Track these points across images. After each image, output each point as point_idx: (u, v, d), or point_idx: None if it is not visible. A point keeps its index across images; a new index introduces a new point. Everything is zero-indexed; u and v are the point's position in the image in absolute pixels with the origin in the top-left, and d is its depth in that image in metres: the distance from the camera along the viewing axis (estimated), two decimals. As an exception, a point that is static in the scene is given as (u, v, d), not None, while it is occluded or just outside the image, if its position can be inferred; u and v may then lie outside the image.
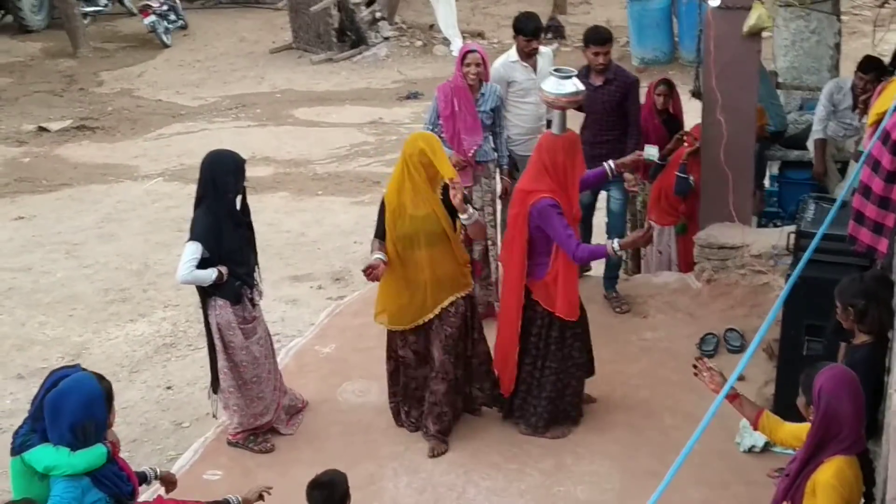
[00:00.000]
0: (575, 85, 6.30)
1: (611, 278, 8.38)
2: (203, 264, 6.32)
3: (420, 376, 6.78)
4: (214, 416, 6.98)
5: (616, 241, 6.42)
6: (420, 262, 6.41)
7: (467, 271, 6.66)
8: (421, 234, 6.34)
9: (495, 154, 8.08)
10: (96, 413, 4.58)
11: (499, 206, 8.29)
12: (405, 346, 6.70)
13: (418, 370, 6.76)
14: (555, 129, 6.43)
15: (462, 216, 6.32)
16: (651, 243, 7.46)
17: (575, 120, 7.10)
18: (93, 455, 4.55)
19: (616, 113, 7.99)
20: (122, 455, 5.05)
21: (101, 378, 4.74)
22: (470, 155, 7.84)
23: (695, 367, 5.24)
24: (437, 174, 6.31)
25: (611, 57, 8.08)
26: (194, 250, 6.30)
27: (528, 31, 8.16)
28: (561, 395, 6.73)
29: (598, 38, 8.04)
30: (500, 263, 8.21)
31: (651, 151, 7.52)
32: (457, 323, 6.56)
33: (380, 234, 6.51)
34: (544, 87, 6.40)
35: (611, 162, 6.87)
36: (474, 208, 6.83)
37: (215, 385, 6.75)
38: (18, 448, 4.71)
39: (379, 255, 6.39)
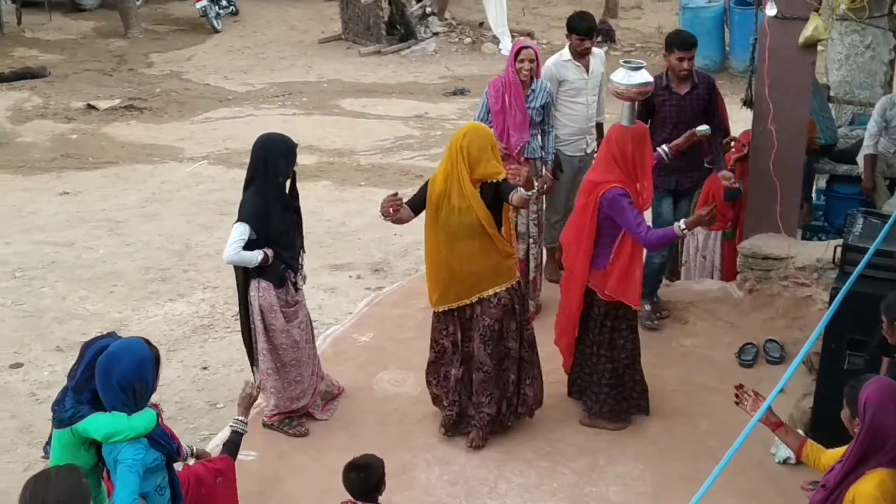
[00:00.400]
0: (644, 76, 6.40)
1: (650, 293, 8.06)
2: (249, 246, 6.34)
3: (453, 375, 6.68)
4: (259, 388, 6.87)
5: (682, 221, 6.42)
6: (462, 252, 6.38)
7: (513, 264, 6.57)
8: (460, 226, 6.32)
9: (542, 152, 8.07)
10: (146, 375, 4.67)
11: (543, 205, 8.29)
12: (445, 334, 6.65)
13: (456, 364, 6.65)
14: (623, 121, 6.49)
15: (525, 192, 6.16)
16: (714, 224, 7.20)
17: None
18: (148, 418, 4.64)
19: (703, 117, 7.69)
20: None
21: (149, 343, 4.82)
22: (516, 151, 7.85)
23: (736, 395, 5.21)
24: (484, 170, 6.28)
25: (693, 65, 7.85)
26: (242, 231, 6.32)
27: (582, 29, 8.14)
28: (620, 382, 6.84)
29: (683, 42, 7.76)
30: (538, 263, 8.23)
31: (703, 128, 7.37)
32: (497, 314, 6.48)
33: (411, 203, 6.49)
34: (614, 78, 6.47)
35: (664, 146, 6.96)
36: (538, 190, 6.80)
37: (253, 359, 6.79)
38: (69, 420, 4.76)
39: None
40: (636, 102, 6.51)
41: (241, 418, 5.48)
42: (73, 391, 4.83)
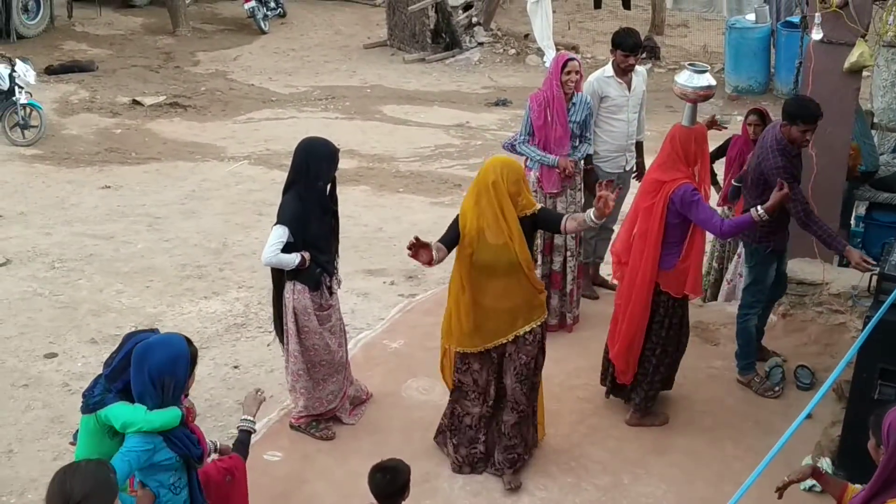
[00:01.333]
0: (708, 80, 6.56)
1: (753, 363, 7.69)
2: (287, 248, 6.39)
3: (475, 413, 6.48)
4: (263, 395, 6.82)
5: (759, 207, 6.48)
6: (496, 290, 6.16)
7: (543, 298, 6.43)
8: (498, 263, 6.09)
9: (581, 166, 8.09)
10: (178, 371, 4.69)
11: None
12: (467, 370, 6.40)
13: (474, 404, 6.46)
14: (685, 122, 6.65)
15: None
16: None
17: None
18: (168, 415, 4.64)
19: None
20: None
21: (189, 342, 4.85)
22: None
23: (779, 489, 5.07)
24: (517, 203, 6.09)
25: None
26: (281, 234, 6.37)
27: (628, 46, 8.14)
28: (670, 376, 7.09)
29: (811, 115, 6.92)
30: (574, 276, 8.21)
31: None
32: (533, 352, 6.30)
33: (444, 241, 6.16)
34: (678, 79, 6.64)
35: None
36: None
37: (278, 326, 6.85)
38: (94, 405, 4.85)
39: (437, 245, 6.11)
40: (697, 104, 6.66)
41: (248, 417, 5.49)
42: (106, 379, 4.92)
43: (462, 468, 6.54)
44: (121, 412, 4.70)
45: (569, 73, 7.77)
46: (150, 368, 4.61)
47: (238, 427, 5.52)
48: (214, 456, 5.67)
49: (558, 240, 8.05)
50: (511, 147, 8.40)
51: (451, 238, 6.18)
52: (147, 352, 4.64)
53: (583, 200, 8.22)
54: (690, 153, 6.55)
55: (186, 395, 4.93)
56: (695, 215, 6.48)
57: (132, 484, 4.81)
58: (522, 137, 8.04)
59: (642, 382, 7.01)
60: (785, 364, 7.71)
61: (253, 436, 6.78)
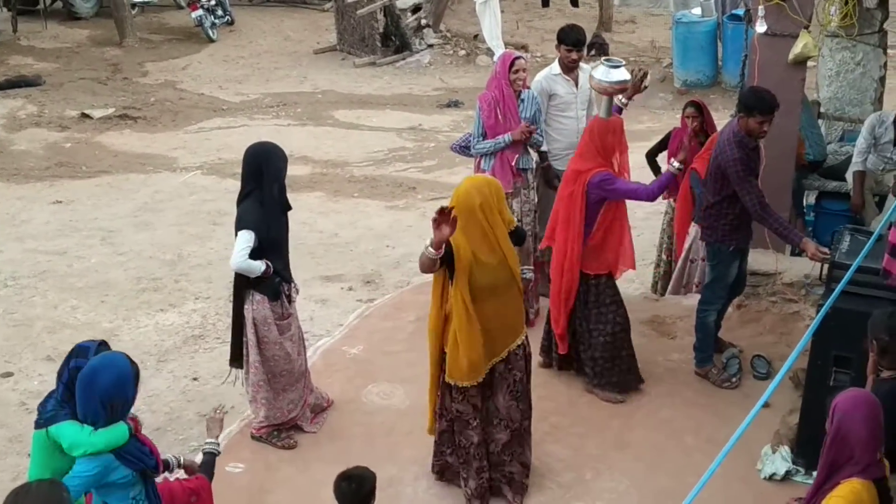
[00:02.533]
0: (623, 74, 6.88)
1: (710, 357, 7.78)
2: (252, 255, 6.38)
3: (478, 437, 6.23)
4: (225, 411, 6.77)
5: (674, 160, 7.16)
6: (497, 310, 6.02)
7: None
8: (496, 282, 5.96)
9: (534, 164, 8.13)
10: (127, 392, 4.70)
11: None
12: (464, 399, 6.12)
13: (477, 428, 6.21)
14: (602, 114, 6.98)
15: None
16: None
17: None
18: (114, 434, 4.63)
19: None
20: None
21: (129, 359, 4.84)
22: (513, 163, 7.92)
23: None
24: (505, 219, 6.02)
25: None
26: (248, 238, 6.35)
27: (570, 40, 8.22)
28: (617, 354, 7.35)
29: (767, 106, 7.01)
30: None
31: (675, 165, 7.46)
32: (523, 366, 6.24)
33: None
34: (594, 74, 6.95)
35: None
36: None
37: (237, 359, 6.84)
38: (46, 421, 4.83)
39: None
40: (613, 97, 6.99)
41: (212, 440, 5.50)
42: (61, 394, 4.90)
43: (472, 502, 6.32)
44: (68, 432, 4.68)
45: (517, 71, 7.82)
46: (101, 393, 4.59)
47: (203, 450, 5.52)
48: (178, 472, 5.66)
49: None
50: (461, 149, 8.44)
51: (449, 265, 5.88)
52: (94, 376, 4.62)
53: (537, 199, 8.24)
54: (608, 144, 6.94)
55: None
56: (617, 194, 6.98)
57: (89, 501, 4.79)
58: (476, 139, 8.05)
59: (587, 360, 7.42)
60: (741, 354, 7.80)
61: (214, 448, 6.81)
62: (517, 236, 6.22)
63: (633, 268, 7.53)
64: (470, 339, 5.94)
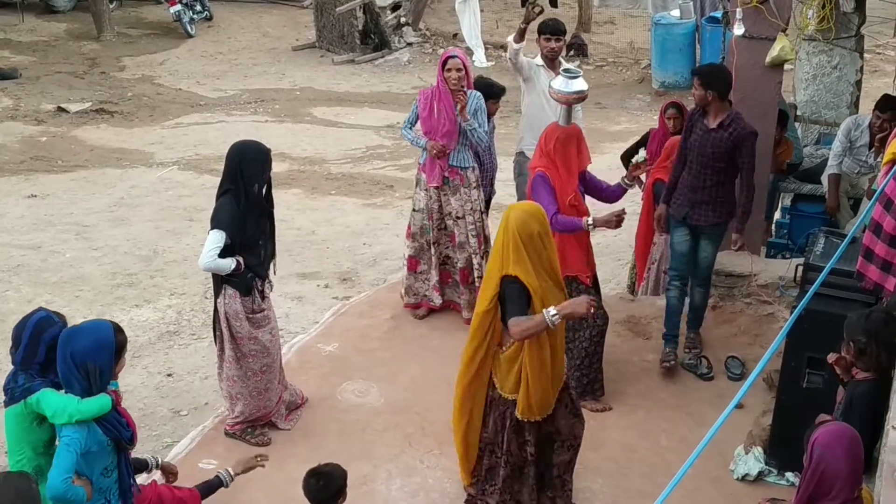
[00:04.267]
0: (581, 84, 6.92)
1: (672, 336, 7.81)
2: (222, 252, 6.35)
3: (529, 484, 5.94)
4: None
5: (591, 217, 6.90)
6: (560, 342, 5.80)
7: None
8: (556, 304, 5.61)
9: (474, 163, 8.19)
10: (101, 358, 4.72)
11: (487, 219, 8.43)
12: (535, 436, 5.84)
13: (527, 475, 5.93)
14: (560, 121, 7.03)
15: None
16: (620, 227, 7.30)
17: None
18: (99, 403, 4.70)
19: (724, 161, 7.31)
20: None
21: (118, 330, 4.90)
22: (440, 160, 8.05)
23: None
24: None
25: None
26: (218, 238, 6.31)
27: (549, 29, 8.38)
28: (590, 362, 7.22)
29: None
30: (481, 274, 8.29)
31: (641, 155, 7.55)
32: (570, 380, 6.09)
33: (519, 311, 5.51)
34: (553, 84, 7.01)
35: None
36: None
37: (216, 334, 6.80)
38: (23, 392, 4.89)
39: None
40: (572, 106, 7.02)
41: (234, 472, 5.63)
42: (21, 367, 4.97)
43: None
44: (52, 400, 4.76)
45: (449, 70, 7.85)
46: (73, 353, 4.66)
47: (218, 473, 5.63)
48: (157, 473, 5.66)
49: (461, 236, 8.17)
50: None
51: (521, 308, 5.51)
52: (72, 337, 4.71)
53: (481, 198, 8.24)
54: (550, 149, 6.90)
55: (115, 378, 4.99)
56: (535, 198, 6.80)
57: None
58: (406, 124, 8.23)
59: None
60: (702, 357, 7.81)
61: (186, 444, 6.81)
62: None
63: (587, 281, 7.12)
64: (543, 370, 5.65)
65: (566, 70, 7.16)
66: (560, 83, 6.96)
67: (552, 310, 5.38)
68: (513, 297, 5.48)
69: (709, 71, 7.55)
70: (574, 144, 6.95)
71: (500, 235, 5.57)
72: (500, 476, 5.93)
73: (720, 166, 7.32)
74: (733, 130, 7.22)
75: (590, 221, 6.87)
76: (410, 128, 8.20)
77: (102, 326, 4.83)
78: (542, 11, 8.50)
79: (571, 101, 6.97)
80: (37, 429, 4.89)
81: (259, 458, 5.81)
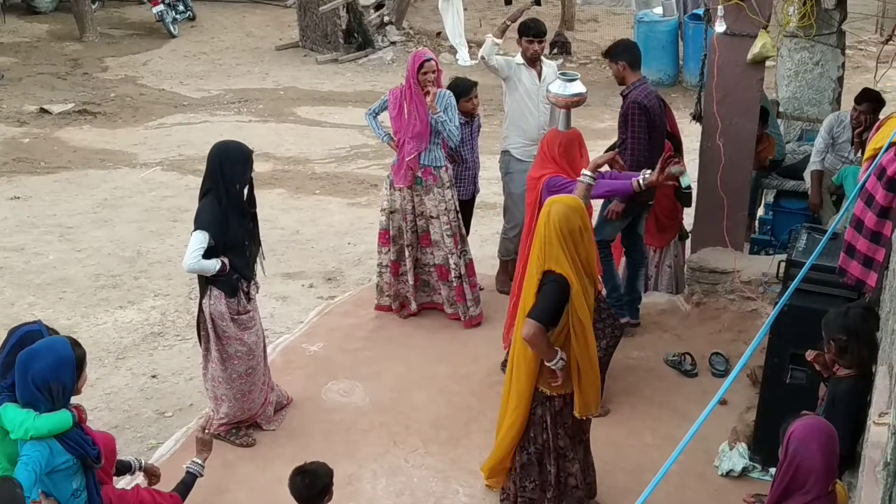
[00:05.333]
0: (578, 87, 6.91)
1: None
2: (207, 253, 6.33)
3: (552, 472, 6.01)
4: (210, 429, 6.71)
5: (645, 173, 6.64)
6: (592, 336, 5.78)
7: None
8: (591, 301, 5.72)
9: (447, 163, 8.23)
10: (63, 376, 4.66)
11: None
12: (542, 429, 5.90)
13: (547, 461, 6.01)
14: (560, 126, 7.02)
15: None
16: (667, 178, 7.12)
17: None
18: (57, 419, 4.62)
19: (622, 129, 7.70)
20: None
21: (76, 344, 4.83)
22: (409, 158, 8.07)
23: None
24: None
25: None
26: (202, 239, 6.30)
27: (530, 32, 8.39)
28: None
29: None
30: (459, 273, 8.31)
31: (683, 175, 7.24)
32: None
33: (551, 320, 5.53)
34: (551, 88, 7.02)
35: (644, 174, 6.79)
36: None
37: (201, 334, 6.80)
38: None
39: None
40: (571, 110, 6.99)
41: (198, 460, 5.51)
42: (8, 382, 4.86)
43: None
44: (10, 415, 4.66)
45: (426, 73, 7.90)
46: (34, 376, 4.58)
47: (186, 468, 5.51)
48: (139, 475, 5.63)
49: (435, 235, 8.20)
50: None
51: (555, 310, 5.51)
52: (30, 359, 4.62)
53: (455, 198, 8.26)
54: (556, 155, 6.84)
55: (78, 393, 4.87)
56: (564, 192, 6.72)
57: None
58: (371, 110, 8.39)
59: None
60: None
61: (171, 446, 6.80)
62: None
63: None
64: (593, 366, 5.68)
65: (563, 73, 7.17)
66: (558, 87, 6.97)
67: (558, 362, 5.49)
68: (549, 294, 5.47)
69: (612, 46, 8.02)
70: (576, 147, 6.95)
71: (541, 230, 5.54)
72: (535, 471, 5.98)
73: (622, 136, 7.68)
74: (625, 99, 7.70)
75: (643, 179, 6.58)
76: (375, 116, 8.34)
77: (59, 343, 4.75)
78: (529, 6, 8.56)
79: (570, 105, 6.96)
80: (10, 441, 4.76)
81: (206, 430, 5.70)
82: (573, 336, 5.53)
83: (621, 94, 7.79)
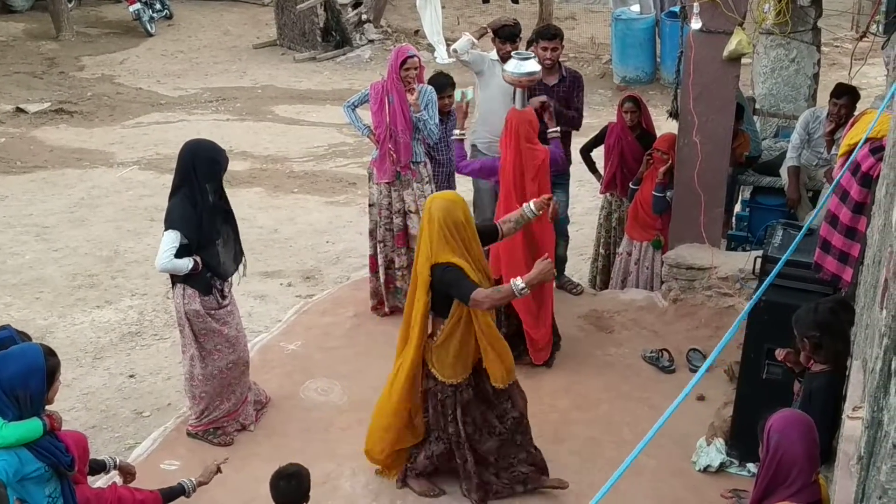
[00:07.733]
0: (532, 66, 7.14)
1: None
2: (180, 252, 6.30)
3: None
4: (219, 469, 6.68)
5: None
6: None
7: None
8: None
9: (425, 158, 8.30)
10: (32, 384, 4.60)
11: None
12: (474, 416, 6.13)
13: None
14: (517, 105, 7.25)
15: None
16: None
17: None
18: (25, 428, 4.57)
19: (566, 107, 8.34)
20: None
21: (50, 353, 4.77)
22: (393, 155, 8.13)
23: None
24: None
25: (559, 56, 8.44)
26: (173, 238, 6.27)
27: (503, 34, 8.45)
28: None
29: (546, 32, 8.44)
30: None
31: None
32: None
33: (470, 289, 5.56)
34: (506, 67, 7.24)
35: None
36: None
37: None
38: None
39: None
40: (526, 89, 7.25)
41: (195, 482, 5.54)
42: None
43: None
44: None
45: (407, 69, 7.96)
46: (2, 382, 4.53)
47: (182, 482, 5.53)
48: (114, 473, 5.60)
49: (413, 230, 8.18)
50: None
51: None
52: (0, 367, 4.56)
53: (433, 192, 8.26)
54: (522, 132, 7.16)
55: (50, 402, 4.82)
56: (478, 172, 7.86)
57: None
58: (350, 102, 8.47)
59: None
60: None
61: (148, 446, 6.77)
62: (484, 235, 5.97)
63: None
64: (500, 340, 5.90)
65: (518, 53, 7.36)
66: (512, 66, 7.15)
67: (520, 282, 5.45)
68: (458, 277, 5.55)
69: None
70: (536, 123, 7.29)
71: (425, 227, 5.63)
72: (436, 456, 6.19)
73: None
74: (570, 81, 8.42)
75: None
76: (353, 109, 8.38)
77: (31, 351, 4.68)
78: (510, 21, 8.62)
79: (524, 84, 7.18)
80: None
81: (219, 463, 5.74)
82: (475, 320, 5.70)
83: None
